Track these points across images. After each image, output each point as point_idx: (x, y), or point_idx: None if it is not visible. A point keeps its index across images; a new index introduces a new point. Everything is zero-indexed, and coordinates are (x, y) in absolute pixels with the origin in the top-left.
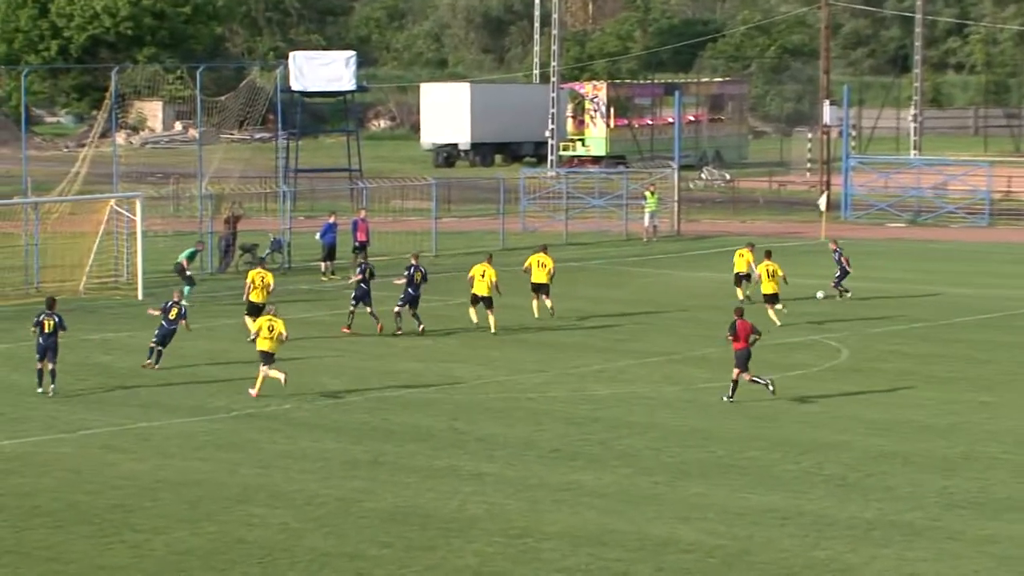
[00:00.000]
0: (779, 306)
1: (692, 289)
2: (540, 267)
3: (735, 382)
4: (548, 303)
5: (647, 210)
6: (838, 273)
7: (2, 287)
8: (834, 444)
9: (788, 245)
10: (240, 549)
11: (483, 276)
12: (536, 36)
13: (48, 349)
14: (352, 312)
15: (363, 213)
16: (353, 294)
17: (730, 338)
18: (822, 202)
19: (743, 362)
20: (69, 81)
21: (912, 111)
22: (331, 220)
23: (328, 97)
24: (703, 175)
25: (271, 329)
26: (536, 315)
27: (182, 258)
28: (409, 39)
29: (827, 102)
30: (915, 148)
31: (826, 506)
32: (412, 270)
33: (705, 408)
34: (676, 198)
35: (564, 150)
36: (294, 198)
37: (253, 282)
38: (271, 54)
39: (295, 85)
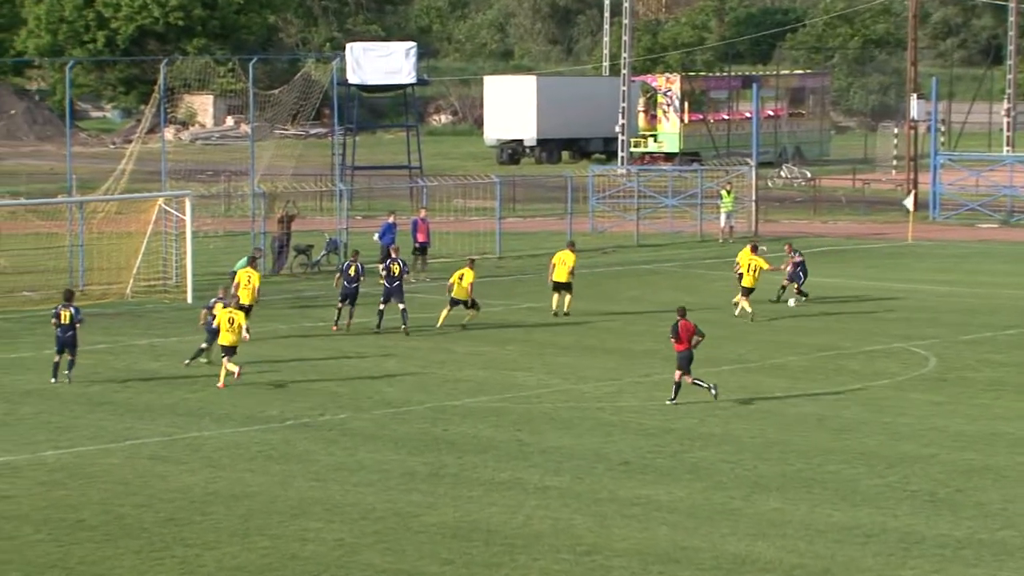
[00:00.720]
0: (744, 304)
1: (770, 293)
2: (561, 264)
3: (677, 384)
4: (566, 300)
5: (723, 210)
6: (801, 278)
7: (46, 289)
8: (920, 457)
9: (872, 247)
10: (294, 565)
11: (564, 263)
12: (606, 26)
13: (66, 344)
14: (339, 310)
15: (423, 213)
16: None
17: (672, 340)
18: (909, 202)
19: (685, 364)
20: (116, 74)
21: (1005, 105)
22: (390, 220)
23: (387, 91)
24: (782, 173)
25: (231, 322)
26: (554, 309)
27: (238, 267)
28: (472, 29)
29: (914, 95)
30: (1008, 144)
31: (913, 523)
32: (390, 263)
33: (783, 419)
34: (754, 197)
35: (635, 146)
36: (351, 197)
37: (240, 282)
38: (327, 45)
39: (352, 78)
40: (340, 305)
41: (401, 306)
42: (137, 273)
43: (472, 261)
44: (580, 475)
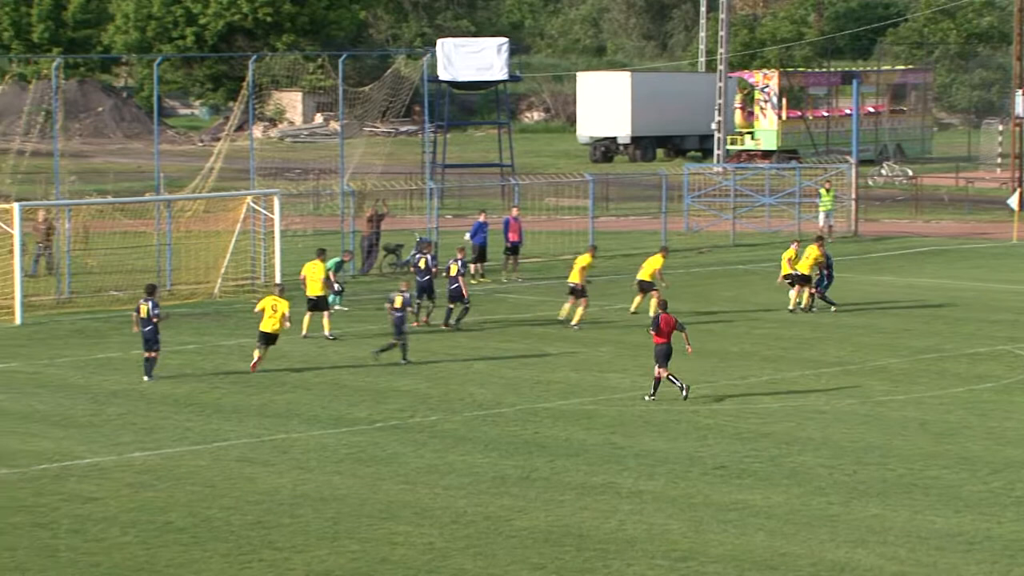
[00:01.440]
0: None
1: (871, 294)
2: (577, 267)
3: (657, 380)
4: (577, 311)
5: (822, 209)
6: (824, 282)
7: (134, 289)
8: None
9: (976, 247)
10: (383, 569)
11: (650, 266)
12: (702, 21)
13: (148, 340)
14: (419, 306)
15: (515, 211)
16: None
17: (652, 332)
18: (1014, 201)
19: (663, 358)
20: (204, 71)
21: None
22: (481, 219)
23: (478, 87)
24: (883, 171)
25: (275, 309)
26: (561, 316)
27: (328, 267)
28: (565, 25)
29: (1020, 91)
30: None
31: (1017, 530)
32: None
33: (883, 423)
34: (854, 196)
35: (732, 144)
36: (441, 195)
37: (306, 276)
38: (417, 41)
39: (443, 74)
40: (418, 300)
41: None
42: (225, 272)
43: (665, 249)
44: (675, 479)
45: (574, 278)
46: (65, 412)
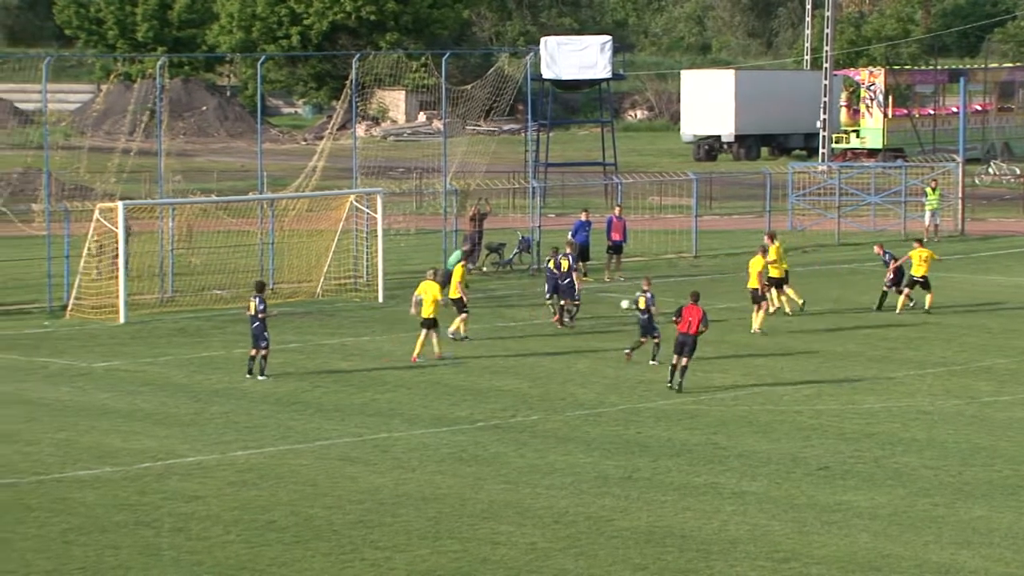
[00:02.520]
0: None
1: (977, 294)
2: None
3: (674, 367)
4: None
5: (928, 208)
6: (890, 276)
7: (236, 288)
8: None
9: None
10: (484, 569)
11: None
12: (807, 19)
13: (256, 336)
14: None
15: (618, 210)
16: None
17: (675, 320)
18: None
19: (681, 347)
20: (307, 70)
21: None
22: (583, 218)
23: (581, 86)
24: (990, 170)
25: (429, 294)
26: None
27: (452, 263)
28: (669, 23)
29: None
30: None
31: None
32: (559, 257)
33: (989, 424)
34: (960, 195)
35: (837, 142)
36: (544, 194)
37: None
38: (521, 40)
39: (546, 73)
40: (549, 300)
41: (562, 303)
42: (328, 271)
43: (763, 249)
44: (777, 480)
45: (752, 283)
46: (168, 410)
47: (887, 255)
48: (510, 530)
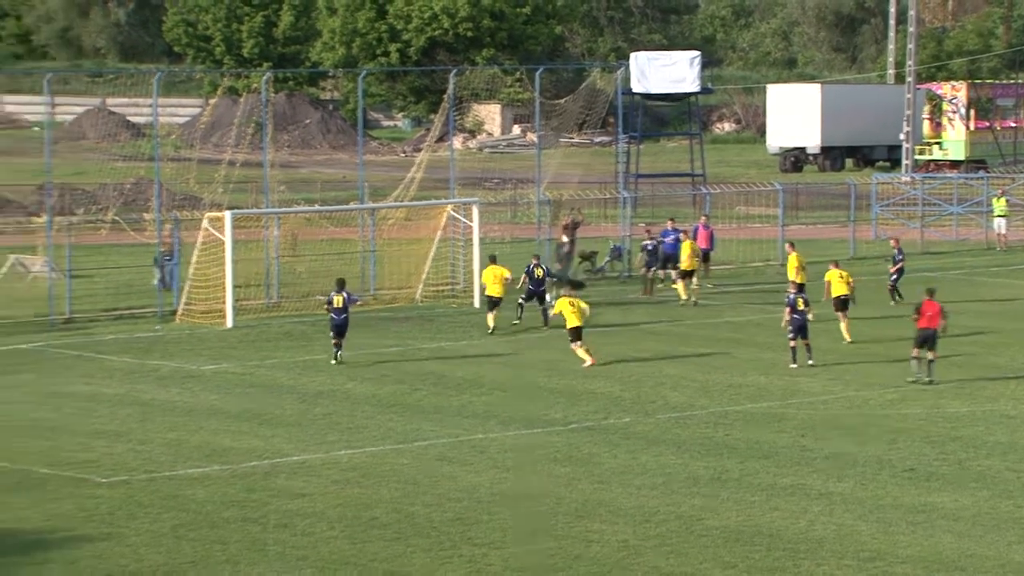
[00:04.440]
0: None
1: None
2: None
3: (916, 359)
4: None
5: (996, 216)
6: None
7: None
8: None
9: None
10: (578, 566)
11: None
12: (891, 34)
13: (340, 327)
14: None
15: (704, 219)
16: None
17: (914, 317)
18: None
19: (921, 341)
20: (406, 84)
21: None
22: (669, 226)
23: (671, 99)
24: None
25: (572, 305)
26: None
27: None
28: (756, 38)
29: None
30: None
31: None
32: (532, 267)
33: None
34: None
35: (920, 154)
36: (634, 204)
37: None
38: (612, 55)
39: (636, 87)
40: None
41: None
42: (426, 278)
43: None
44: (864, 481)
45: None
46: (274, 411)
47: (900, 253)
48: (602, 528)
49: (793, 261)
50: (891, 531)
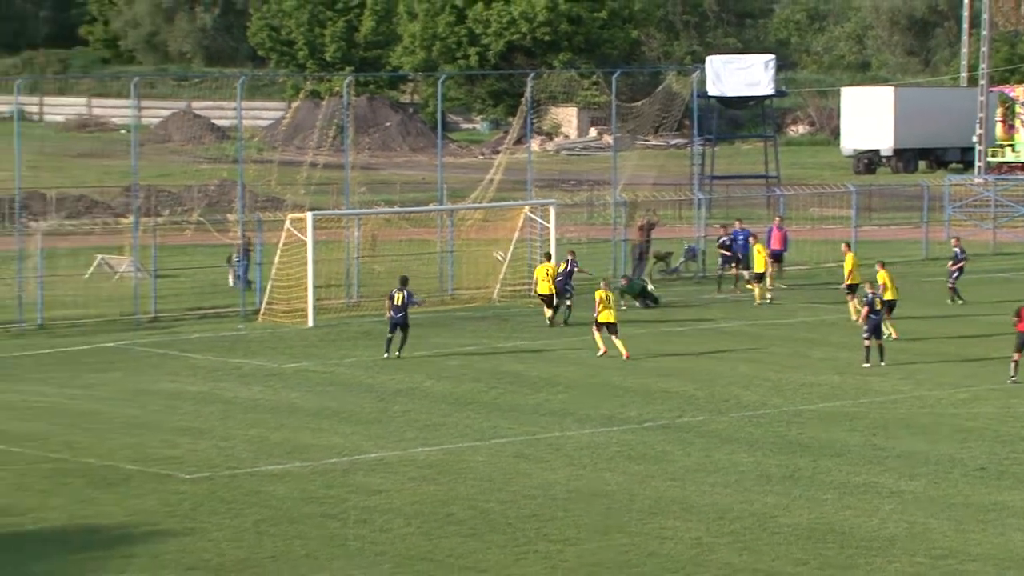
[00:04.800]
0: None
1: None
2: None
3: (1015, 363)
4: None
5: None
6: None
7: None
8: None
9: None
10: (652, 563)
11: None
12: (964, 37)
13: (399, 325)
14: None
15: (778, 220)
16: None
17: (1014, 321)
18: None
19: (1021, 345)
20: (485, 88)
21: None
22: (738, 227)
23: (746, 102)
24: None
25: (548, 274)
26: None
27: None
28: (830, 42)
29: None
30: None
31: None
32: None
33: None
34: None
35: (992, 156)
36: (709, 206)
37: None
38: (688, 58)
39: (712, 90)
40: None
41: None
42: (503, 278)
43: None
44: (935, 480)
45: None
46: (353, 409)
47: (961, 252)
48: (676, 525)
49: (849, 262)
50: (962, 529)
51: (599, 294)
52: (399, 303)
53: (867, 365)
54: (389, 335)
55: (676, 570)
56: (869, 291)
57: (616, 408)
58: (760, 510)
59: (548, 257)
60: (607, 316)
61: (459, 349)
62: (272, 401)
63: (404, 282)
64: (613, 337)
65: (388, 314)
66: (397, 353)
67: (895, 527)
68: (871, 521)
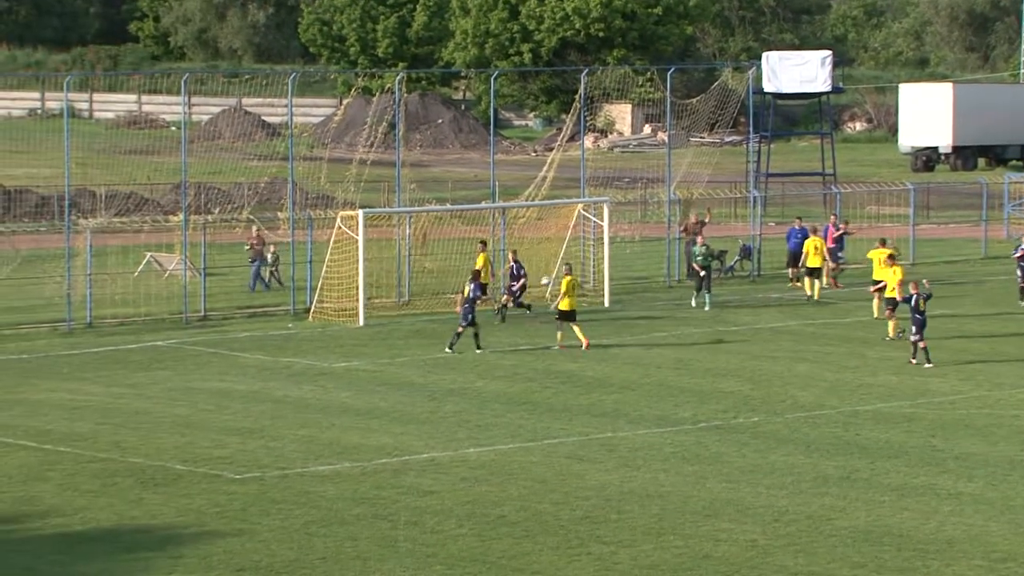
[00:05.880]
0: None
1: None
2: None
3: None
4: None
5: None
6: None
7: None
8: None
9: None
10: (706, 565)
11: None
12: None
13: (465, 316)
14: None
15: (834, 219)
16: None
17: None
18: None
19: None
20: (538, 84)
21: None
22: (797, 226)
23: (802, 99)
24: None
25: (573, 287)
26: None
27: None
28: (888, 37)
29: None
30: None
31: None
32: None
33: None
34: None
35: None
36: (764, 204)
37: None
38: (743, 54)
39: (767, 86)
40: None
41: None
42: (556, 277)
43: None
44: (994, 482)
45: (565, 306)
46: (404, 409)
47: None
48: (731, 527)
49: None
50: (1022, 532)
51: (566, 281)
52: (467, 294)
53: (914, 361)
54: (459, 328)
55: (731, 573)
56: (913, 291)
57: (670, 408)
58: (816, 512)
59: (569, 271)
60: (567, 303)
61: (511, 348)
62: (322, 401)
63: (476, 276)
64: (573, 325)
65: (457, 308)
66: (478, 349)
67: (953, 530)
68: (929, 524)
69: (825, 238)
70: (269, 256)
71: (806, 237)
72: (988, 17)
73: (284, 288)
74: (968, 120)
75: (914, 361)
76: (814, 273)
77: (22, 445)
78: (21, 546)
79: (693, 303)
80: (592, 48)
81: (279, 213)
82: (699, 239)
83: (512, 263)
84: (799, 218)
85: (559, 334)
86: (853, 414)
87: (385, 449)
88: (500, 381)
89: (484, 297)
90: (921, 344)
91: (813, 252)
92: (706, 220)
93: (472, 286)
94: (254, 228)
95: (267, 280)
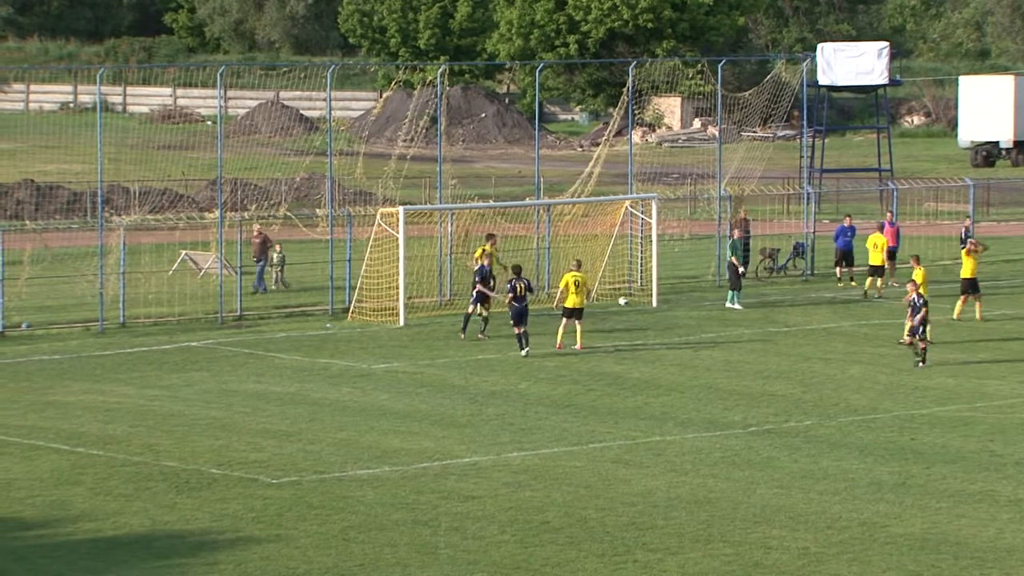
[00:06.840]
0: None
1: None
2: (575, 288)
3: None
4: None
5: None
6: None
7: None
8: None
9: None
10: (756, 573)
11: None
12: None
13: (522, 314)
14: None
15: (890, 216)
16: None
17: None
18: None
19: None
20: (584, 77)
21: None
22: (846, 223)
23: (858, 91)
24: None
25: (577, 285)
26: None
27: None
28: (947, 28)
29: None
30: None
31: None
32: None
33: None
34: None
35: None
36: (818, 200)
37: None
38: (797, 46)
39: (822, 79)
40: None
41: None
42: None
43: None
44: None
45: (572, 302)
46: (445, 412)
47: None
48: (782, 535)
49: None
50: None
51: (569, 277)
52: (520, 293)
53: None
54: (516, 330)
55: None
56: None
57: (719, 412)
58: (870, 519)
59: (578, 266)
60: (574, 301)
61: (554, 350)
62: (361, 403)
63: (518, 271)
64: (577, 323)
65: (511, 305)
66: (524, 351)
67: (1013, 537)
68: (987, 531)
69: (891, 234)
70: (275, 256)
71: (854, 235)
72: None
73: (288, 291)
74: None
75: (919, 356)
76: (877, 271)
77: (54, 448)
78: (53, 552)
79: (738, 304)
80: (640, 39)
81: (317, 210)
82: (736, 232)
83: (513, 277)
84: (848, 215)
85: (560, 334)
86: (908, 418)
87: (426, 453)
88: (544, 383)
89: (492, 294)
90: (921, 344)
91: (873, 249)
92: (744, 217)
93: (524, 282)
94: (255, 225)
95: (276, 281)
